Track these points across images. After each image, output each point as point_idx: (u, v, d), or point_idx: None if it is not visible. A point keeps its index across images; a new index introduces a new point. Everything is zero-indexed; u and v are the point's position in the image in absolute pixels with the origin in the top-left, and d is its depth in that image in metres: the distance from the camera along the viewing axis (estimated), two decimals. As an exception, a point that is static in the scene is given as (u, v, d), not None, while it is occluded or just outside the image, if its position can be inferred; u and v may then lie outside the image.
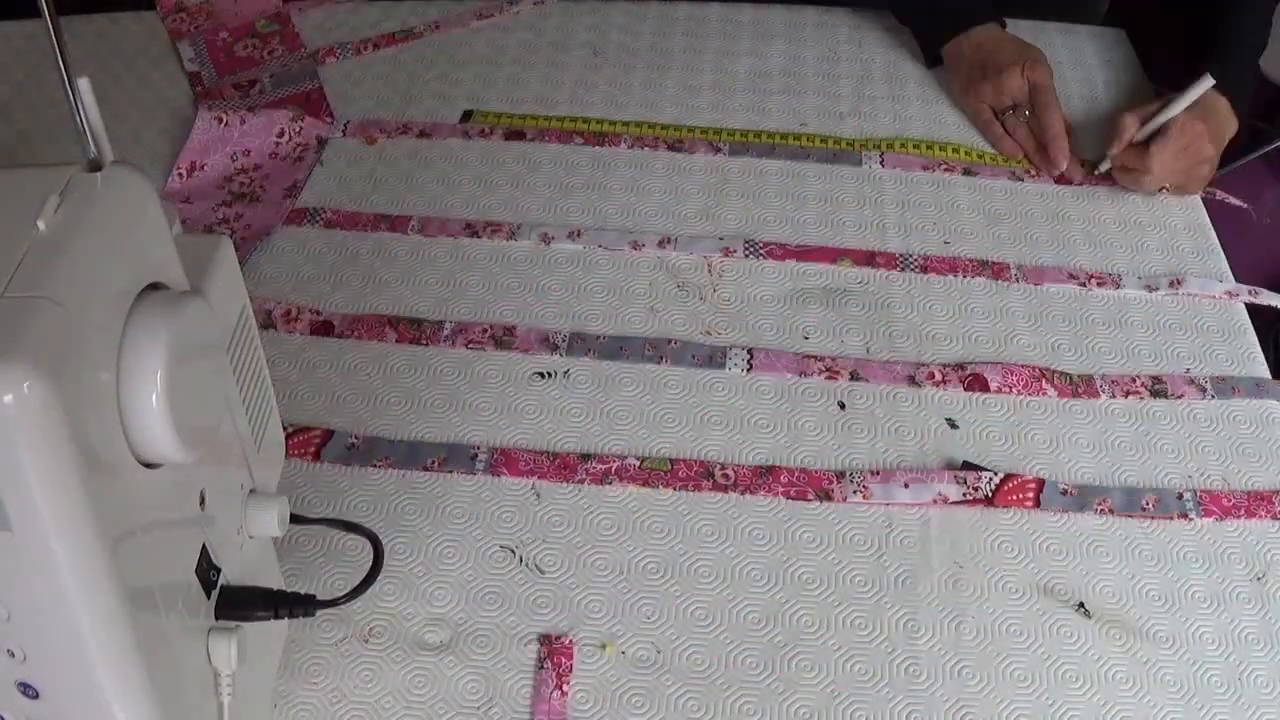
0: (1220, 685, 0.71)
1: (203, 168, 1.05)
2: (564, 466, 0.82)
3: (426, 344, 0.90)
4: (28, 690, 0.51)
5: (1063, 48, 1.23)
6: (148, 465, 0.50)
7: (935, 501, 0.80)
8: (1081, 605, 0.75)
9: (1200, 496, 0.81)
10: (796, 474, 0.82)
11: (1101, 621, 0.74)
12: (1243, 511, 0.80)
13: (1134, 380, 0.88)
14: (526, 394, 0.87)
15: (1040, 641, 0.73)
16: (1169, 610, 0.75)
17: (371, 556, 0.67)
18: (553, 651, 0.72)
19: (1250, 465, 0.83)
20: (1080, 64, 1.21)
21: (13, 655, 0.49)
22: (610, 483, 0.81)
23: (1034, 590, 0.76)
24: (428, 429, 0.84)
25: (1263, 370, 0.90)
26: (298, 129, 1.09)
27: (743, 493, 0.80)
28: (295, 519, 0.66)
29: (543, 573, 0.76)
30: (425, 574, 0.76)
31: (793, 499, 0.80)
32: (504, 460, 0.82)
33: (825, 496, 0.80)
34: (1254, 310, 0.95)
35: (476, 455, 0.82)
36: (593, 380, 0.88)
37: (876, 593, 0.75)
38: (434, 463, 0.82)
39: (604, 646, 0.72)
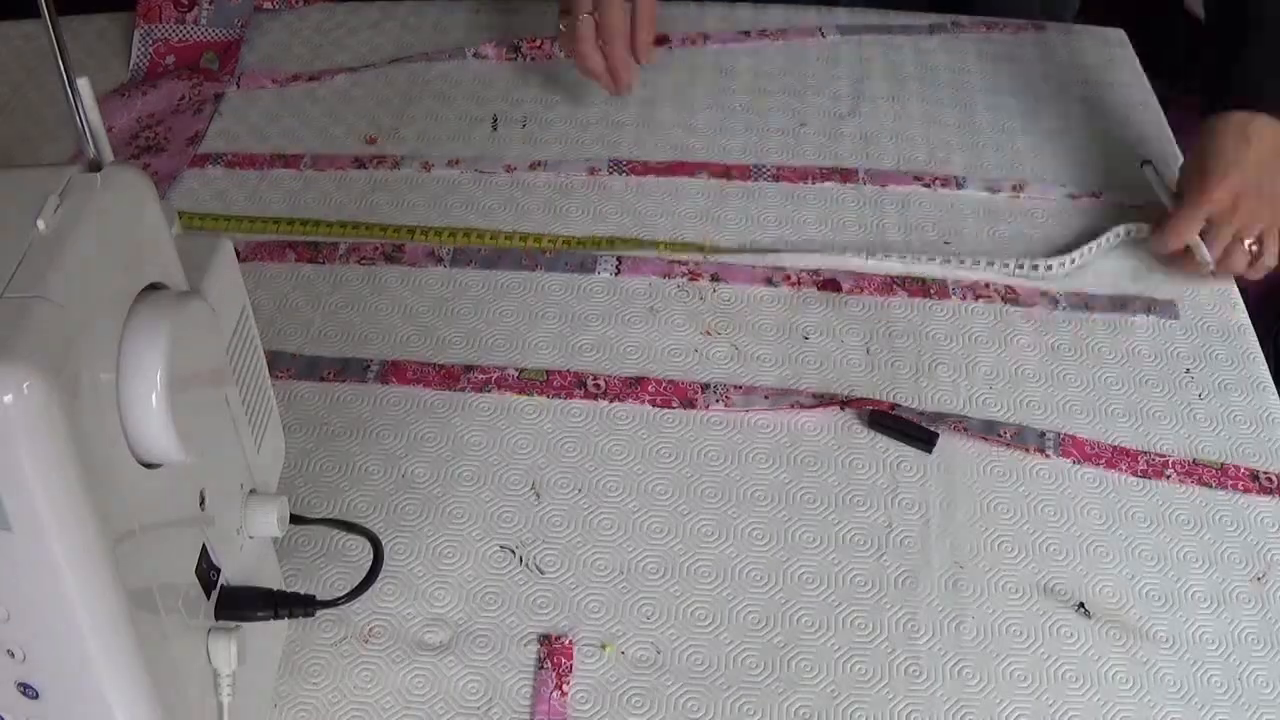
0: (1220, 685, 0.71)
1: (110, 130, 1.10)
2: (448, 376, 0.88)
3: (324, 262, 0.97)
4: (28, 690, 0.51)
5: (1063, 48, 1.23)
6: (148, 465, 0.50)
7: (792, 407, 0.85)
8: (1081, 605, 0.75)
9: (1062, 439, 0.84)
10: (663, 384, 0.87)
11: (1101, 621, 0.74)
12: (1102, 462, 0.83)
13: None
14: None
15: (1040, 641, 0.73)
16: (1169, 610, 0.75)
17: (371, 556, 0.67)
18: (552, 652, 0.72)
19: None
20: (1080, 64, 1.21)
21: (13, 655, 0.49)
22: (489, 391, 0.87)
23: (1034, 590, 0.76)
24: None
25: (1263, 370, 0.90)
26: (197, 92, 1.15)
27: (611, 400, 0.86)
28: (295, 519, 0.66)
29: (543, 573, 0.76)
30: (425, 574, 0.76)
31: (657, 407, 0.86)
32: (393, 370, 0.88)
33: (689, 405, 0.86)
34: (1254, 311, 0.95)
35: (370, 365, 0.89)
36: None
37: (876, 593, 0.75)
38: (330, 373, 0.88)
39: (604, 646, 0.72)
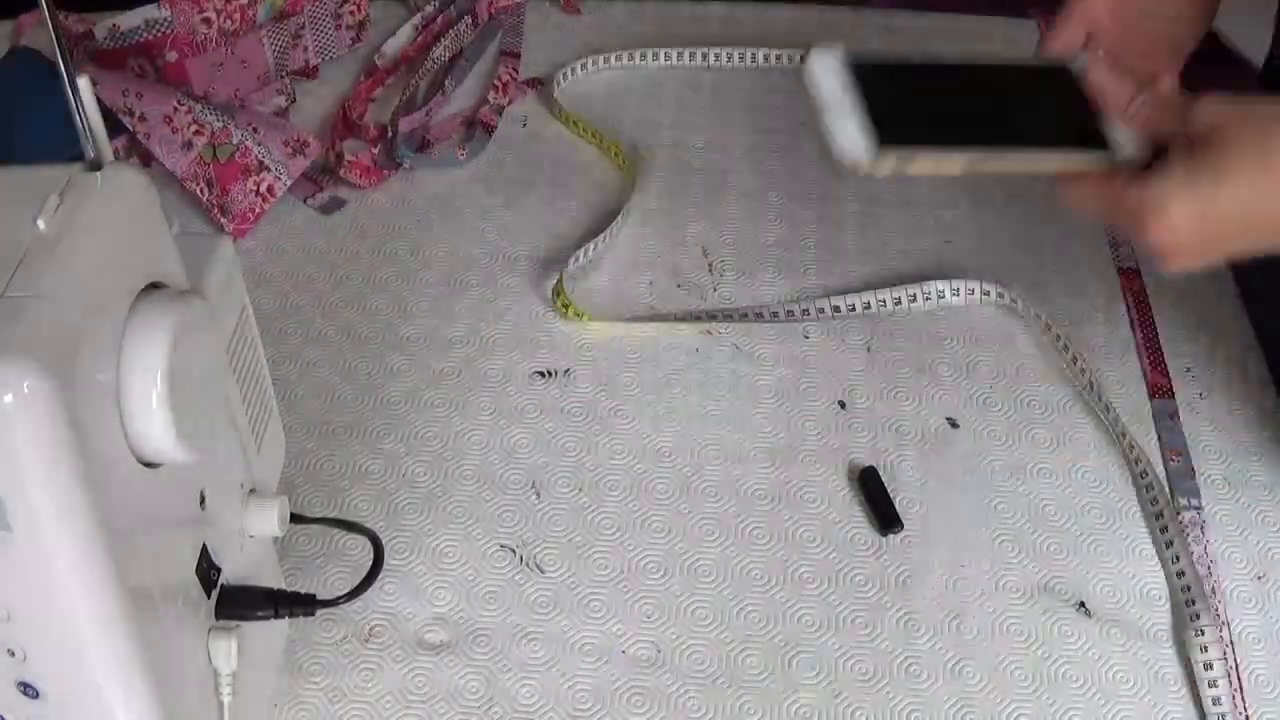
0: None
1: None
2: None
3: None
4: (28, 690, 0.51)
5: (1063, 47, 1.22)
6: (148, 465, 0.50)
7: None
8: (1082, 605, 0.75)
9: None
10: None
11: (1101, 621, 0.74)
12: None
13: None
14: (526, 393, 0.87)
15: (1040, 641, 0.73)
16: (1169, 610, 0.75)
17: (372, 556, 0.67)
18: None
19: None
20: (1081, 63, 1.21)
21: (13, 655, 0.50)
22: None
23: (1034, 590, 0.76)
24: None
25: (1263, 369, 0.89)
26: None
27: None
28: (295, 518, 0.66)
29: (543, 572, 0.76)
30: (425, 573, 0.76)
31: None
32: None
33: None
34: (1252, 309, 0.95)
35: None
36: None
37: (877, 592, 0.75)
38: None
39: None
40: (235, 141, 1.00)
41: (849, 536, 0.78)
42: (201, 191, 0.99)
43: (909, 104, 0.61)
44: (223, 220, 0.98)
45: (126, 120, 1.00)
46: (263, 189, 1.00)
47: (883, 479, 0.81)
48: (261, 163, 1.00)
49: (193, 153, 1.00)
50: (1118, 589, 0.76)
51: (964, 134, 0.60)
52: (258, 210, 0.99)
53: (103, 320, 0.47)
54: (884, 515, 0.78)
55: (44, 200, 0.47)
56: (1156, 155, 0.60)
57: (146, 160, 1.02)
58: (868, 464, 0.82)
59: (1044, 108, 0.63)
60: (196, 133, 1.00)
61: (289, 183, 1.00)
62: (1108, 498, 0.81)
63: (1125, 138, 0.61)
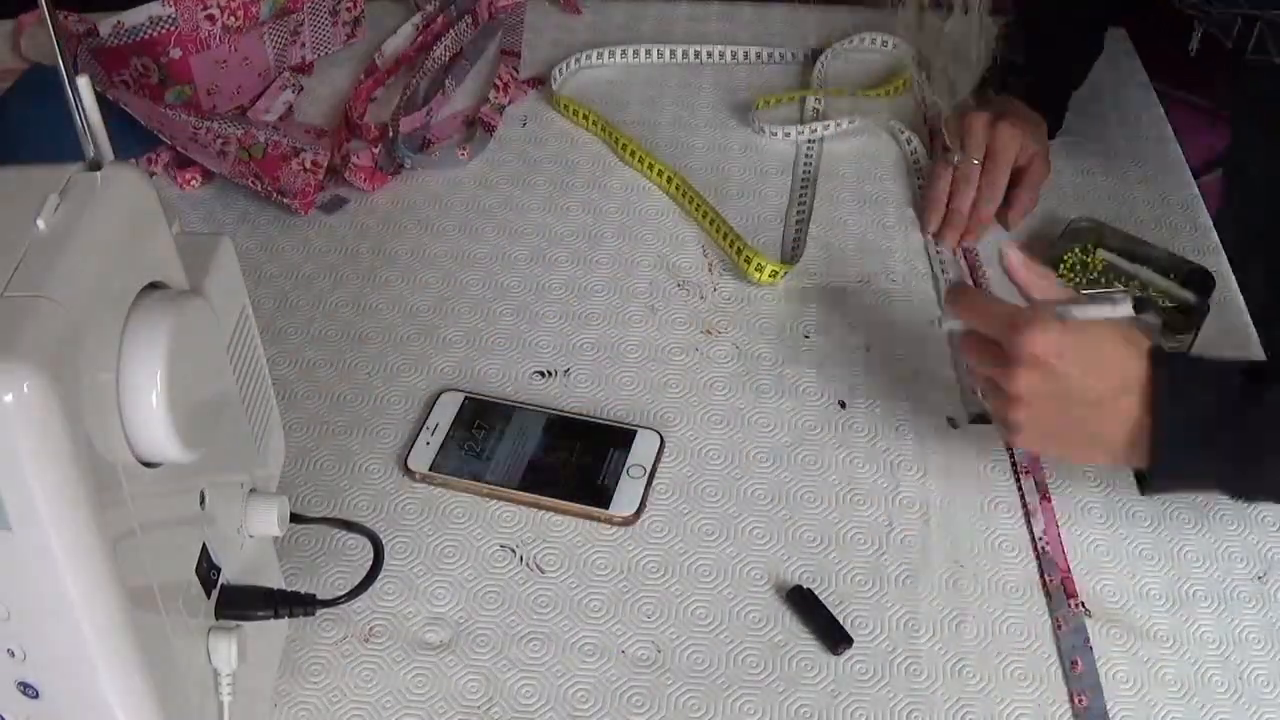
0: (1221, 685, 0.71)
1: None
2: None
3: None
4: (28, 690, 0.51)
5: (1063, 47, 1.22)
6: (148, 465, 0.50)
7: None
8: (1082, 604, 0.75)
9: None
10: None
11: (1102, 621, 0.74)
12: None
13: None
14: (528, 389, 0.87)
15: (1040, 641, 0.73)
16: (1169, 610, 0.75)
17: (372, 555, 0.67)
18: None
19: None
20: (1081, 63, 1.20)
21: (13, 655, 0.50)
22: None
23: (1034, 589, 0.75)
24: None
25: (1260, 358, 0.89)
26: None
27: None
28: (295, 518, 0.66)
29: (543, 572, 0.76)
30: (425, 574, 0.76)
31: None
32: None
33: None
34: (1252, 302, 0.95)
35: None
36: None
37: (877, 591, 0.75)
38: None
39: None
40: (263, 140, 1.03)
41: (849, 538, 0.78)
42: (254, 184, 1.01)
43: None
44: (286, 201, 1.00)
45: (163, 136, 1.03)
46: (308, 164, 1.02)
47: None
48: (294, 148, 1.03)
49: (229, 158, 1.02)
50: (1118, 589, 0.76)
51: None
52: (313, 184, 1.01)
53: (103, 320, 0.47)
54: (831, 634, 0.73)
55: (44, 200, 0.47)
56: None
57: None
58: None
59: None
60: (225, 143, 1.03)
61: (327, 156, 1.03)
62: (1108, 498, 0.81)
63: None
